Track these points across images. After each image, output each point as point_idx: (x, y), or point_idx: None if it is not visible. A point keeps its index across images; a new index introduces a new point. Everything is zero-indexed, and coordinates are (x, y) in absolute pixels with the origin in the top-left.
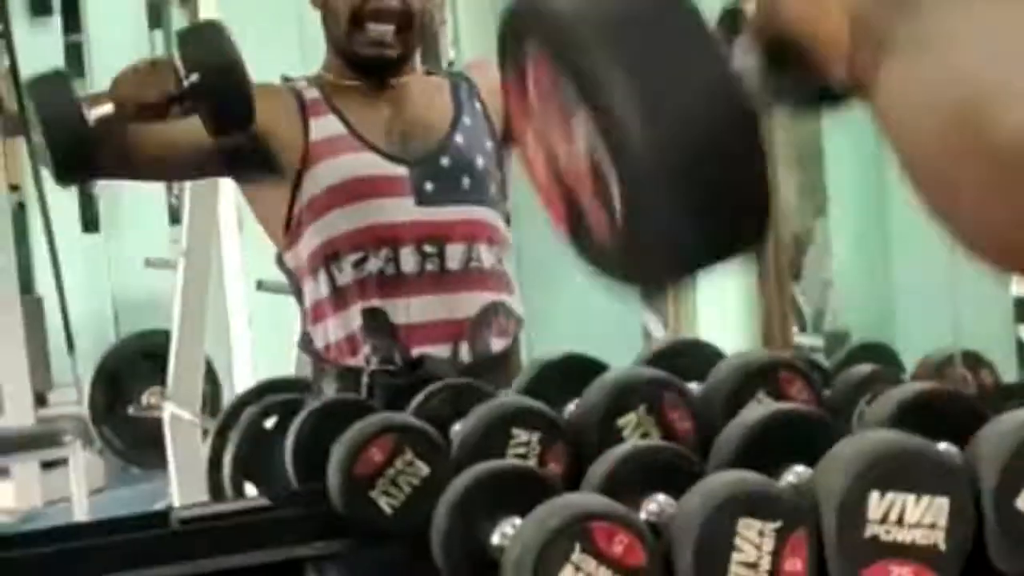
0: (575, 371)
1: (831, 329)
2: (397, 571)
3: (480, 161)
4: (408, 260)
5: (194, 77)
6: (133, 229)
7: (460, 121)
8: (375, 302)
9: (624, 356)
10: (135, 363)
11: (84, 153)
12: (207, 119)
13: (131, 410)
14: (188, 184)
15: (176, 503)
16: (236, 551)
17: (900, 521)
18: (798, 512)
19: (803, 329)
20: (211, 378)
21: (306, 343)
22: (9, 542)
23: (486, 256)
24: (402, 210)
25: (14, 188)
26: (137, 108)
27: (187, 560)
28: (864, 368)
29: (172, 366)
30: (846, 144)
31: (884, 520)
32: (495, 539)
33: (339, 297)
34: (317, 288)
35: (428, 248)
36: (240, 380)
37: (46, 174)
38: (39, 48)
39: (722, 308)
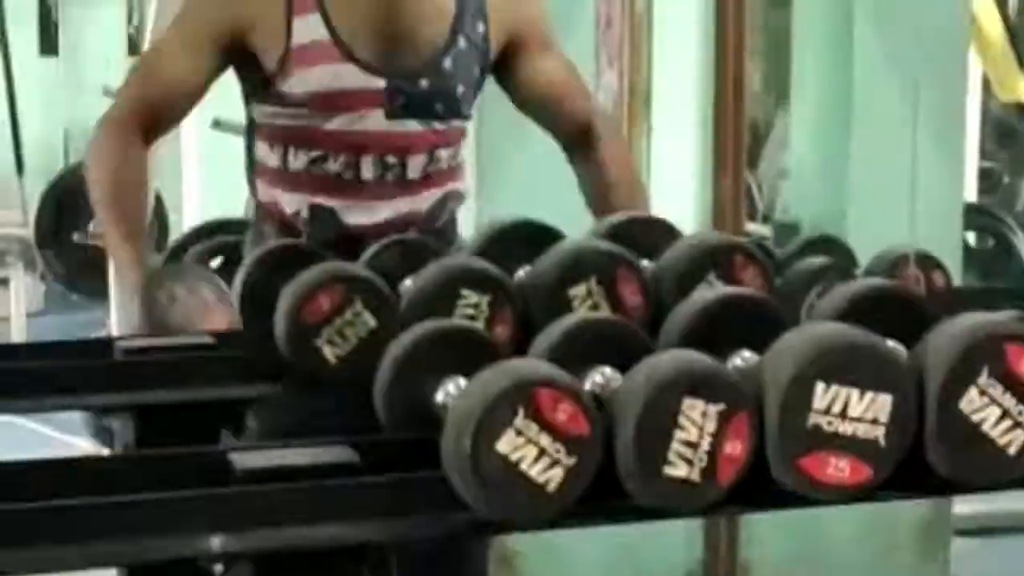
0: (529, 237)
1: (782, 220)
2: (337, 420)
3: (460, 89)
4: (368, 169)
5: None
6: (92, 56)
7: (454, 43)
8: (324, 200)
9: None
10: (84, 191)
11: None
12: None
13: (76, 237)
14: (149, 14)
15: (114, 333)
16: (177, 386)
17: (843, 414)
18: (742, 396)
19: (753, 218)
20: (160, 213)
21: (251, 187)
22: None
23: (445, 158)
24: (370, 121)
25: None
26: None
27: (128, 391)
28: (817, 260)
29: None
30: (813, 37)
31: (827, 411)
32: (438, 397)
33: (288, 177)
34: (269, 155)
35: (390, 159)
36: (189, 218)
37: None
38: None
39: (674, 193)
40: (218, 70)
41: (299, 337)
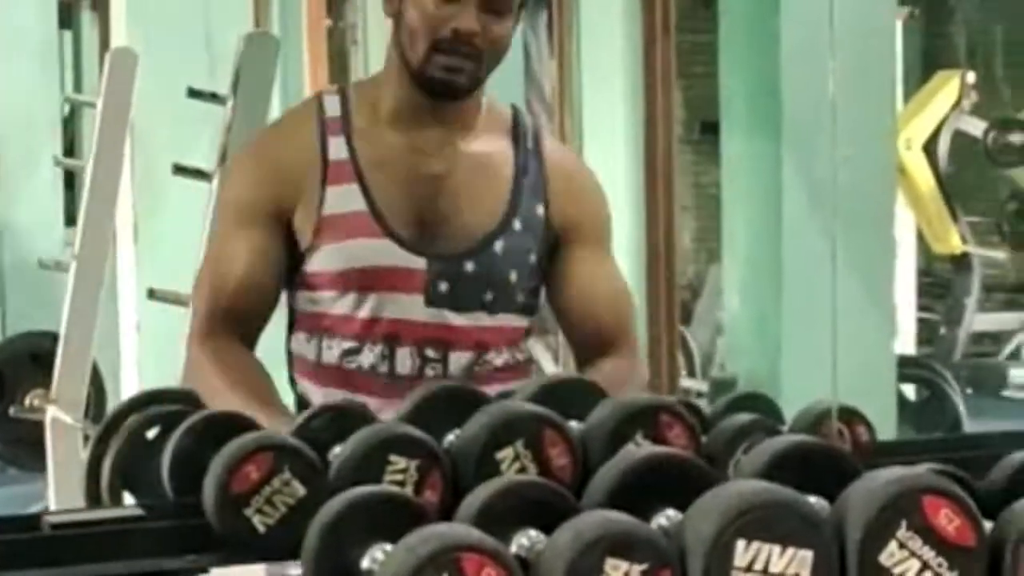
0: (458, 401)
1: (718, 376)
2: None
3: (513, 276)
4: (405, 363)
5: None
6: (27, 228)
7: (508, 226)
8: (359, 397)
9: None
10: (21, 363)
11: None
12: None
13: (13, 410)
14: (86, 188)
15: (52, 507)
16: (106, 559)
17: (765, 570)
18: (665, 555)
19: (691, 373)
20: (96, 384)
21: (291, 380)
22: None
23: (496, 357)
24: (408, 307)
25: None
26: None
27: (55, 566)
28: (743, 417)
29: (58, 369)
30: (742, 193)
31: (749, 568)
32: (364, 563)
33: (322, 372)
34: (305, 346)
35: (430, 352)
36: (126, 388)
37: None
38: None
39: None
40: (281, 250)
41: (228, 507)
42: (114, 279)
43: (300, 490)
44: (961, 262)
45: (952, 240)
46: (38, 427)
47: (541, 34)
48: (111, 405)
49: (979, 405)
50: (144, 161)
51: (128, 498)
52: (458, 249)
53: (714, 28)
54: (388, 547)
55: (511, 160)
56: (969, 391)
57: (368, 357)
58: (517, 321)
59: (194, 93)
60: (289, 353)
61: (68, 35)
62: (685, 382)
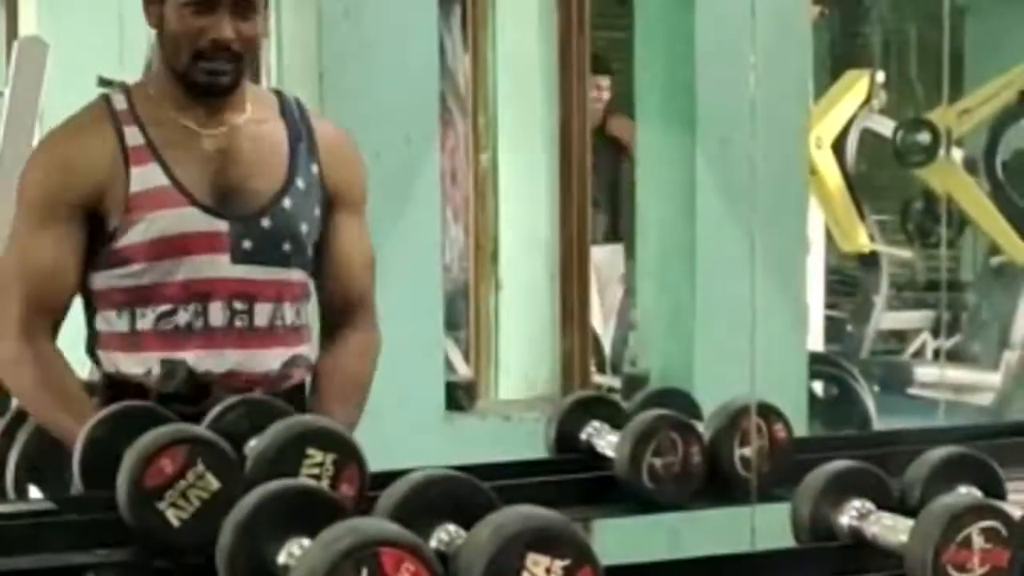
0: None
1: (630, 371)
2: None
3: (304, 227)
4: (217, 315)
5: None
6: None
7: (292, 184)
8: (176, 353)
9: (428, 387)
10: None
11: None
12: None
13: None
14: None
15: None
16: (18, 553)
17: None
18: (587, 551)
19: (601, 369)
20: None
21: (94, 358)
22: None
23: (289, 314)
24: (216, 266)
25: None
26: None
27: None
28: (656, 413)
29: None
30: (655, 188)
31: None
32: (281, 558)
33: (135, 339)
34: (113, 320)
35: (238, 305)
36: None
37: None
38: None
39: (523, 348)
40: (83, 239)
41: (141, 501)
42: None
43: (215, 483)
44: (869, 260)
45: (860, 238)
46: None
47: (455, 29)
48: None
49: (887, 402)
50: None
51: (34, 492)
52: (253, 209)
53: (630, 25)
54: (305, 542)
55: (283, 130)
56: (876, 388)
57: (183, 316)
58: (302, 276)
59: (104, 83)
60: (92, 333)
61: None
62: (597, 378)
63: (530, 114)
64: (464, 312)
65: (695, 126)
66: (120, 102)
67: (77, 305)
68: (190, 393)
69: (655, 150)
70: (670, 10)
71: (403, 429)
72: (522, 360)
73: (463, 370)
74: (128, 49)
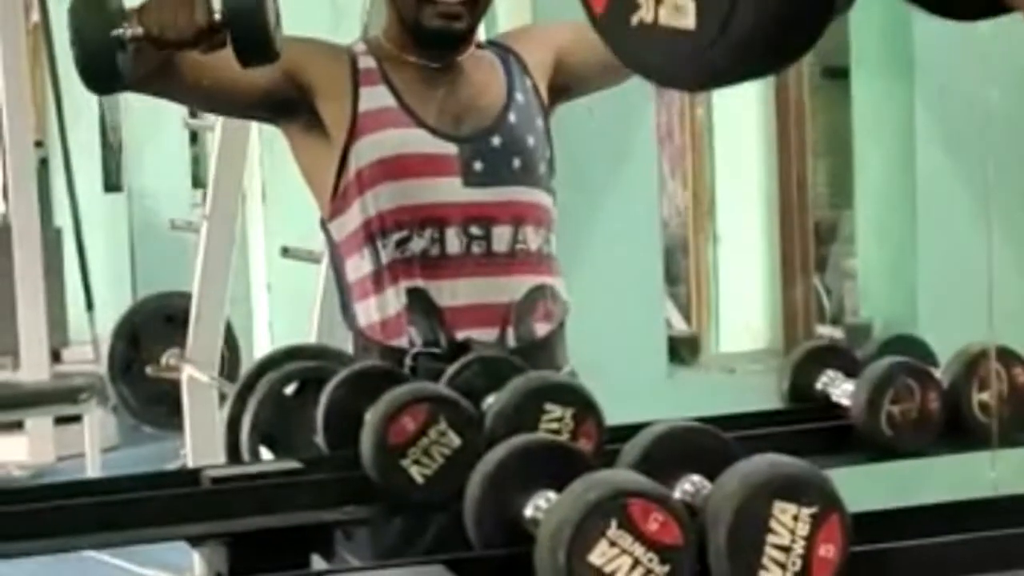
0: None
1: (853, 321)
2: (426, 539)
3: (531, 140)
4: (453, 242)
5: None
6: (156, 191)
7: (513, 99)
8: (419, 283)
9: (650, 343)
10: (155, 323)
11: (111, 64)
12: (235, 52)
13: (149, 370)
14: (215, 148)
15: (190, 464)
16: (266, 512)
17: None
18: (834, 498)
19: (823, 320)
20: (230, 342)
21: (349, 320)
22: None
23: (532, 238)
24: (449, 190)
25: (38, 144)
26: (163, 40)
27: (218, 519)
28: (893, 360)
29: (192, 329)
30: (874, 137)
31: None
32: (528, 511)
33: (382, 275)
34: (360, 264)
35: (474, 230)
36: (259, 346)
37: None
38: None
39: (743, 301)
40: (270, 96)
41: (386, 459)
42: (244, 239)
43: (456, 440)
44: None
45: None
46: (173, 386)
47: None
48: (245, 363)
49: None
50: None
51: (266, 454)
52: (481, 128)
53: None
54: (551, 495)
55: (491, 54)
56: None
57: (419, 243)
58: (544, 198)
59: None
60: (342, 287)
61: None
62: (819, 328)
63: None
64: (682, 267)
65: (913, 72)
66: (358, 46)
67: None
68: (440, 339)
69: (872, 98)
70: None
71: (627, 385)
72: (743, 313)
73: (681, 326)
74: (340, 10)
